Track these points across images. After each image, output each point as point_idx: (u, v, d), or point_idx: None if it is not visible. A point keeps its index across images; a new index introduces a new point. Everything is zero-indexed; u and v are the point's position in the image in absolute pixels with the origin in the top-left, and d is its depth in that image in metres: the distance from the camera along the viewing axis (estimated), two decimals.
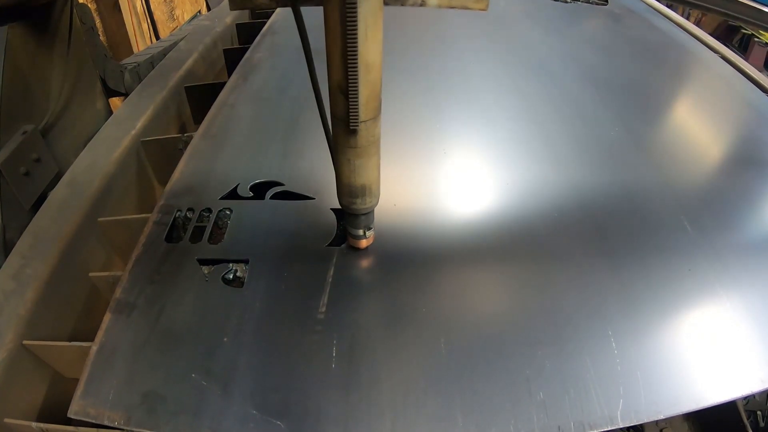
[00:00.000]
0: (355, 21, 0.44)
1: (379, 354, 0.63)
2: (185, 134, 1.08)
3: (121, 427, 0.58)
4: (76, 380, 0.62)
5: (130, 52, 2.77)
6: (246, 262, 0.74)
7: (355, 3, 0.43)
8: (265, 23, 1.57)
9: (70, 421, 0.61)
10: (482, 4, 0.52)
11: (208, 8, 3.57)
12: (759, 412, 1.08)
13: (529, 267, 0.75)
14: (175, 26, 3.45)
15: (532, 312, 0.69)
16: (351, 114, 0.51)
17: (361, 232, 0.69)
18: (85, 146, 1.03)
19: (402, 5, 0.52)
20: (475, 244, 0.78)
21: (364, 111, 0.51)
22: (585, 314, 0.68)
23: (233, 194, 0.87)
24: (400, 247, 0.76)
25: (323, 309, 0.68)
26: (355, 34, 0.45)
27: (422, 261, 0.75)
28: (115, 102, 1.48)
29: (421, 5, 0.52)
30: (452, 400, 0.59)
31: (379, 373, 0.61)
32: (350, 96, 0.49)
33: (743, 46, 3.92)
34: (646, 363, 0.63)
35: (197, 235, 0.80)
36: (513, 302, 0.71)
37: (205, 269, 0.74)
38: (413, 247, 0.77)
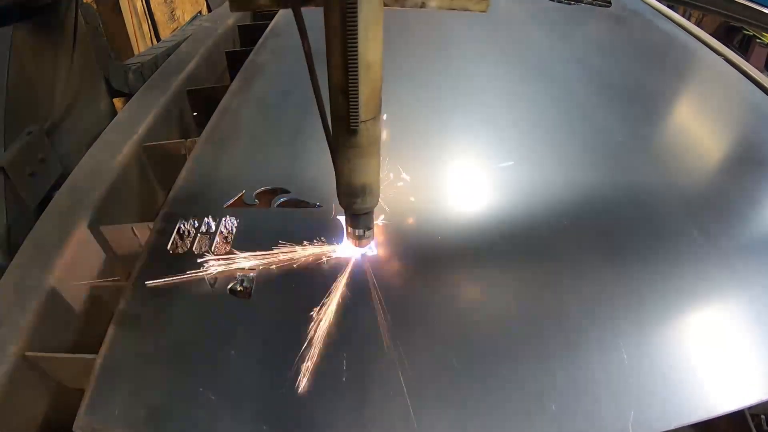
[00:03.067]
0: (356, 20, 0.44)
1: (390, 368, 0.62)
2: (188, 139, 1.07)
3: None
4: (79, 392, 0.61)
5: (131, 52, 2.75)
6: (253, 271, 0.73)
7: (355, 2, 0.42)
8: (267, 25, 1.56)
9: None
10: (482, 6, 0.51)
11: (209, 9, 3.54)
12: (763, 416, 1.07)
13: (539, 277, 0.74)
14: (175, 27, 3.43)
15: (543, 323, 0.68)
16: (351, 114, 0.50)
17: (360, 232, 0.69)
18: (89, 146, 1.02)
19: (402, 7, 0.51)
20: (482, 253, 0.77)
21: (364, 111, 0.51)
22: (596, 325, 0.67)
23: (238, 202, 0.86)
24: (410, 258, 0.75)
25: (332, 319, 0.66)
26: (356, 33, 0.44)
27: (430, 271, 0.73)
28: (120, 102, 1.47)
29: (421, 7, 0.51)
30: (463, 413, 0.58)
31: (390, 388, 0.60)
32: (350, 95, 0.48)
33: (744, 47, 3.93)
34: (657, 373, 0.62)
35: (202, 244, 0.78)
36: (523, 313, 0.70)
37: (211, 279, 0.73)
38: (422, 257, 0.76)
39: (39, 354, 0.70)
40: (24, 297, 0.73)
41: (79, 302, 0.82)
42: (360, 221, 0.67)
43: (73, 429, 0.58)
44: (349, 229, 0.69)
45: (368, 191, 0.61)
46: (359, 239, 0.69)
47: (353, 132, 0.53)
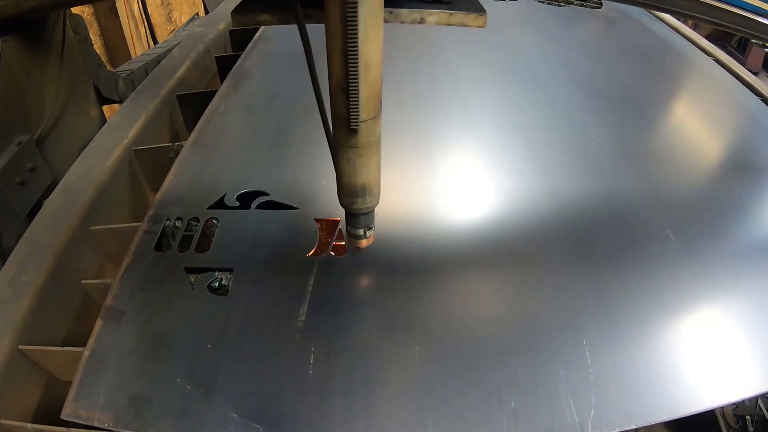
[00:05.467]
0: (356, 21, 0.45)
1: (355, 361, 0.66)
2: (176, 143, 1.10)
3: (111, 428, 0.61)
4: (70, 383, 0.66)
5: (128, 55, 2.80)
6: (231, 270, 0.77)
7: (355, 3, 0.44)
8: (257, 29, 1.58)
9: (64, 423, 0.64)
10: (480, 21, 0.53)
11: (206, 11, 3.57)
12: (748, 417, 1.09)
13: (505, 276, 0.77)
14: (172, 29, 3.46)
15: (505, 321, 0.71)
16: (351, 113, 0.52)
17: (361, 231, 0.69)
18: (79, 154, 1.06)
19: (401, 23, 0.53)
20: (451, 254, 0.80)
21: (364, 110, 0.52)
22: (559, 323, 0.70)
23: (220, 204, 0.89)
24: (379, 258, 0.78)
25: (303, 317, 0.70)
26: (356, 33, 0.46)
27: (399, 271, 0.77)
28: (113, 108, 1.50)
29: (420, 23, 0.53)
30: (424, 408, 0.61)
31: (354, 380, 0.64)
32: (351, 95, 0.50)
33: (741, 47, 3.89)
34: (620, 372, 0.64)
35: (185, 243, 0.83)
36: (487, 311, 0.73)
37: (192, 277, 0.77)
38: (391, 257, 0.79)
39: (32, 347, 0.74)
40: (18, 293, 0.78)
41: (71, 298, 0.86)
42: (361, 221, 0.68)
43: (61, 416, 0.63)
44: (350, 229, 0.70)
45: (369, 191, 0.62)
46: (360, 239, 0.70)
47: (354, 132, 0.54)
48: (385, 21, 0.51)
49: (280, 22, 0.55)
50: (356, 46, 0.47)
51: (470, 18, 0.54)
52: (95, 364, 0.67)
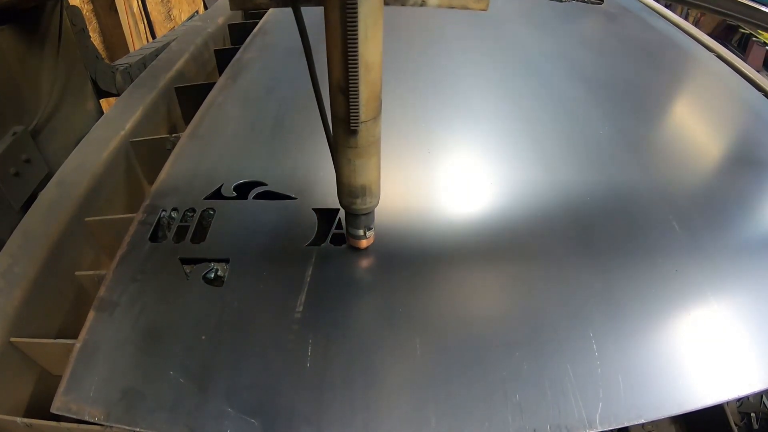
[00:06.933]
0: (356, 21, 0.45)
1: (354, 354, 0.64)
2: (173, 135, 1.09)
3: (101, 422, 0.59)
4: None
5: (127, 52, 2.79)
6: (227, 261, 0.75)
7: (355, 3, 0.44)
8: (257, 23, 1.58)
9: (55, 417, 0.62)
10: (482, 5, 0.52)
11: (205, 8, 3.57)
12: (752, 414, 1.08)
13: (510, 267, 0.75)
14: (172, 26, 3.47)
15: (510, 313, 0.69)
16: (351, 114, 0.51)
17: (361, 232, 0.69)
18: (75, 146, 1.05)
19: (402, 5, 0.52)
20: (453, 244, 0.78)
21: (364, 111, 0.52)
22: (566, 315, 0.68)
23: (217, 194, 0.88)
24: (378, 248, 0.77)
25: (300, 308, 0.69)
26: (356, 34, 0.45)
27: (399, 262, 0.75)
28: (110, 102, 1.50)
29: (421, 5, 0.52)
30: (426, 402, 0.59)
31: (353, 373, 0.62)
32: (350, 96, 0.50)
33: (742, 46, 3.89)
34: (627, 365, 0.62)
35: (181, 234, 0.81)
36: (491, 303, 0.71)
37: (187, 268, 0.75)
38: (392, 247, 0.77)
39: (24, 340, 0.73)
40: (11, 285, 0.76)
41: (65, 290, 0.84)
42: (360, 221, 0.67)
43: (51, 409, 0.61)
44: (350, 229, 0.69)
45: (368, 191, 0.62)
46: (360, 239, 0.70)
47: (353, 132, 0.54)
48: (387, 4, 0.49)
49: (277, 5, 0.54)
50: (356, 47, 0.46)
51: (472, 1, 0.53)
52: (87, 356, 0.65)
